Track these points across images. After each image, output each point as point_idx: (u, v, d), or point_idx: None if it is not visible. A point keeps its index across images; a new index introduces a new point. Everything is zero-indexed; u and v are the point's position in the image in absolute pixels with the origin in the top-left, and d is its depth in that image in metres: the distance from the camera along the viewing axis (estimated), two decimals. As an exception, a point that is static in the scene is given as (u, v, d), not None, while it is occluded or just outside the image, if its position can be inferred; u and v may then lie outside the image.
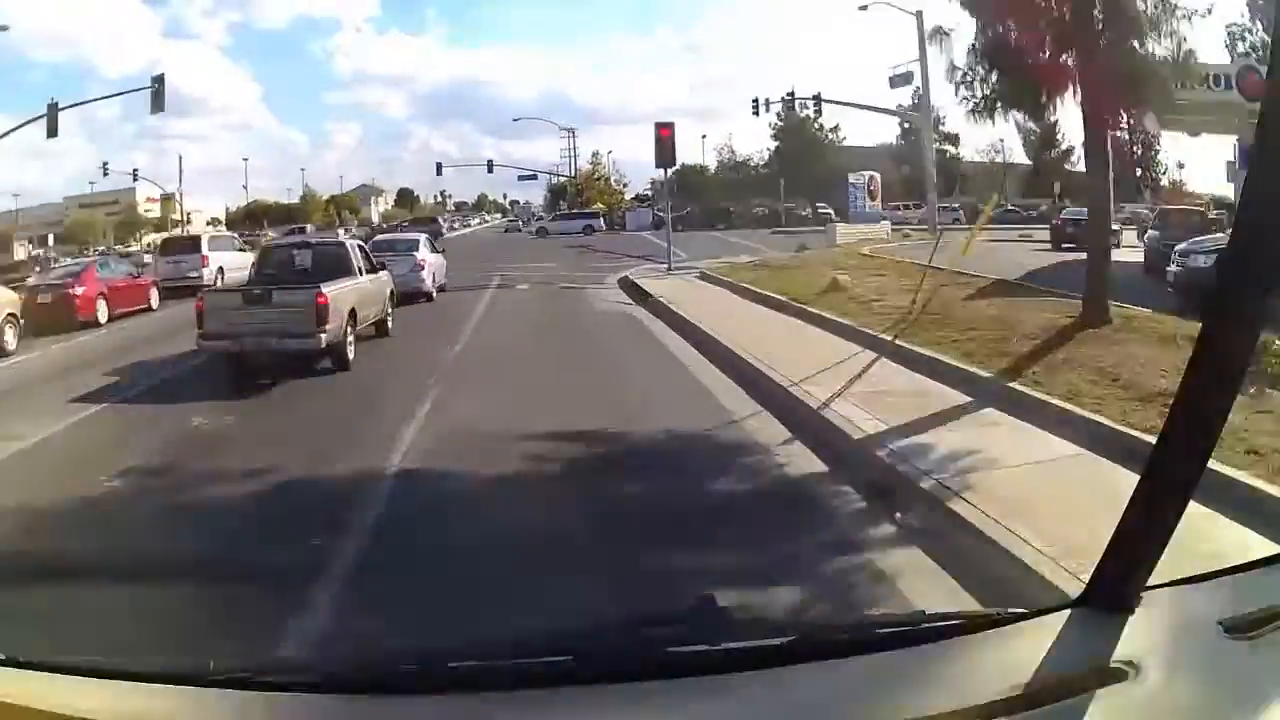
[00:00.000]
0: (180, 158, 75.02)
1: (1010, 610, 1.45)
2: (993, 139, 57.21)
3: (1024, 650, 1.31)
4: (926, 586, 3.98)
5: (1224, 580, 1.55)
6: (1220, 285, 1.22)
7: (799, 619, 3.76)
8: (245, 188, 69.69)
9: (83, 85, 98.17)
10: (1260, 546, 3.87)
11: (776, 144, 64.28)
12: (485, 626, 3.35)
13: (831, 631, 1.45)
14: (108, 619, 3.72)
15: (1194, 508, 1.39)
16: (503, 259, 28.64)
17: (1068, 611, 1.41)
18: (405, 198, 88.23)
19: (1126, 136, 38.24)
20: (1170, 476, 1.30)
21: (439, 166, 67.37)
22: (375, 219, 74.44)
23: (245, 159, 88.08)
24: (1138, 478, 1.36)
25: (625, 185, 70.53)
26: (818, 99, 43.30)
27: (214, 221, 63.91)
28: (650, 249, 27.86)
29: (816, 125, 61.39)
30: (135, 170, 58.08)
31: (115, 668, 1.37)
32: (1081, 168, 16.24)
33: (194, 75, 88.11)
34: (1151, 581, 1.38)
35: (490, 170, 61.67)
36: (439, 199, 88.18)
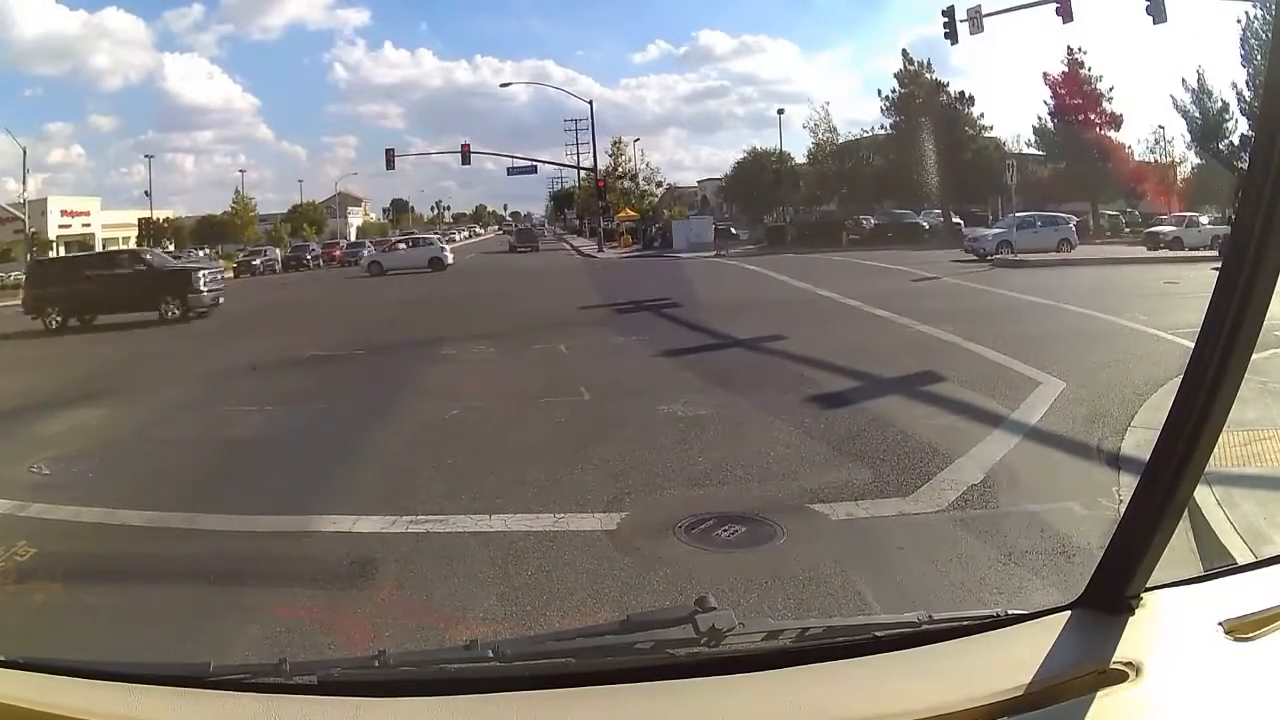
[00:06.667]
0: (194, 169, 69.32)
1: (1010, 611, 1.45)
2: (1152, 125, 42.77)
3: (1024, 650, 1.30)
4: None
5: (1224, 580, 1.55)
6: (1219, 284, 1.22)
7: (799, 620, 3.76)
8: (148, 194, 54.51)
9: (80, 100, 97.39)
10: (1260, 547, 3.87)
11: (893, 120, 42.92)
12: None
13: (831, 633, 1.45)
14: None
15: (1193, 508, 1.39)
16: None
17: (1068, 612, 1.40)
18: (399, 209, 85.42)
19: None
20: (1170, 476, 1.30)
21: (389, 155, 47.63)
22: (352, 234, 63.58)
23: (242, 170, 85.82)
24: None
25: (660, 186, 54.89)
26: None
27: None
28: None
29: (951, 96, 41.89)
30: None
31: (115, 668, 1.37)
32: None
33: (193, 89, 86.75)
34: (1151, 582, 1.38)
35: (466, 161, 47.72)
36: (436, 209, 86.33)
